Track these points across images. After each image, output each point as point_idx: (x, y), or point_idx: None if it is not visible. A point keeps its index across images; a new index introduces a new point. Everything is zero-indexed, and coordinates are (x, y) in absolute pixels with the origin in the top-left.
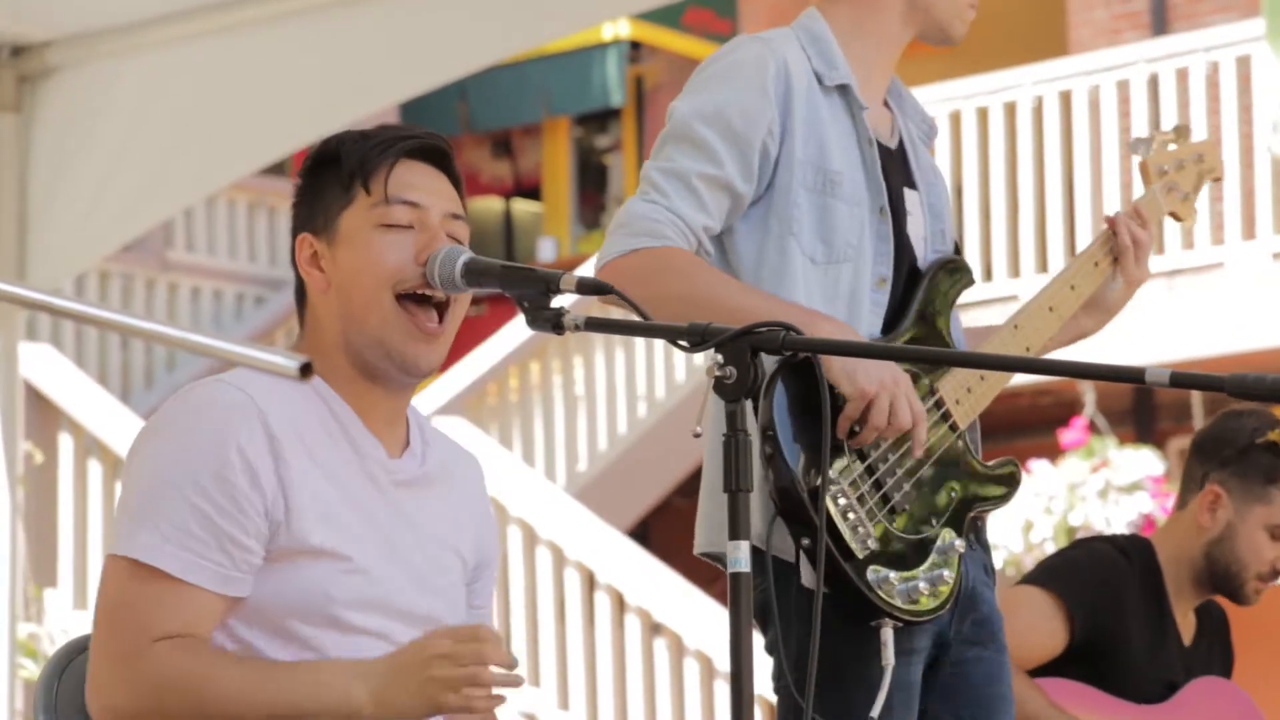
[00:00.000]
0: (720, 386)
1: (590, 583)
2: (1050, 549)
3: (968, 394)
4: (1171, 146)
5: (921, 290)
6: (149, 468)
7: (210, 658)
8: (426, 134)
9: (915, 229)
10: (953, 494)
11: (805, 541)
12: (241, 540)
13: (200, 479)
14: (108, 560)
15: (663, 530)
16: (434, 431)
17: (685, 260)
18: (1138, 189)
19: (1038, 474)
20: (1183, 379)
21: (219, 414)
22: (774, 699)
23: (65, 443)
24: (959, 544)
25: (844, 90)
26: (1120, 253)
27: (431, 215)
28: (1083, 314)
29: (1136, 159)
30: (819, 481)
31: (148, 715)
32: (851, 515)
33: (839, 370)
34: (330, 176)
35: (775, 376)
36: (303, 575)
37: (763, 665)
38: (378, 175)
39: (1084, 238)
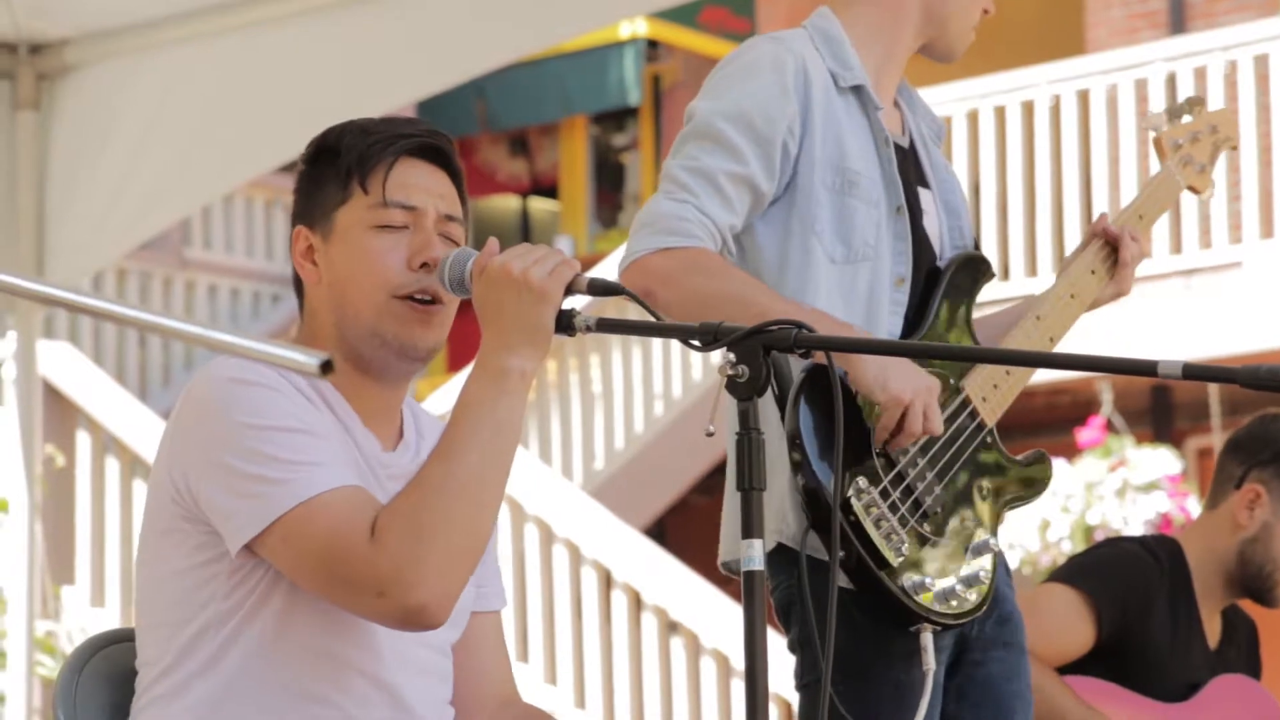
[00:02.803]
0: (733, 385)
1: (607, 581)
2: (1067, 548)
3: (994, 390)
4: (1186, 119)
5: (942, 287)
6: (237, 436)
7: (408, 491)
8: (428, 131)
9: (931, 227)
10: (983, 492)
11: (840, 553)
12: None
13: (290, 415)
14: (275, 529)
15: (680, 529)
16: (430, 420)
17: (713, 261)
18: None
19: (1055, 473)
20: (1196, 371)
21: (266, 369)
22: (790, 697)
23: (83, 440)
24: (992, 541)
25: (859, 90)
26: (1121, 266)
27: (427, 218)
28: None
29: (1151, 134)
30: (849, 491)
31: (447, 571)
32: (884, 524)
33: (872, 380)
34: (329, 169)
35: (802, 384)
36: None
37: (778, 664)
38: (376, 175)
39: None
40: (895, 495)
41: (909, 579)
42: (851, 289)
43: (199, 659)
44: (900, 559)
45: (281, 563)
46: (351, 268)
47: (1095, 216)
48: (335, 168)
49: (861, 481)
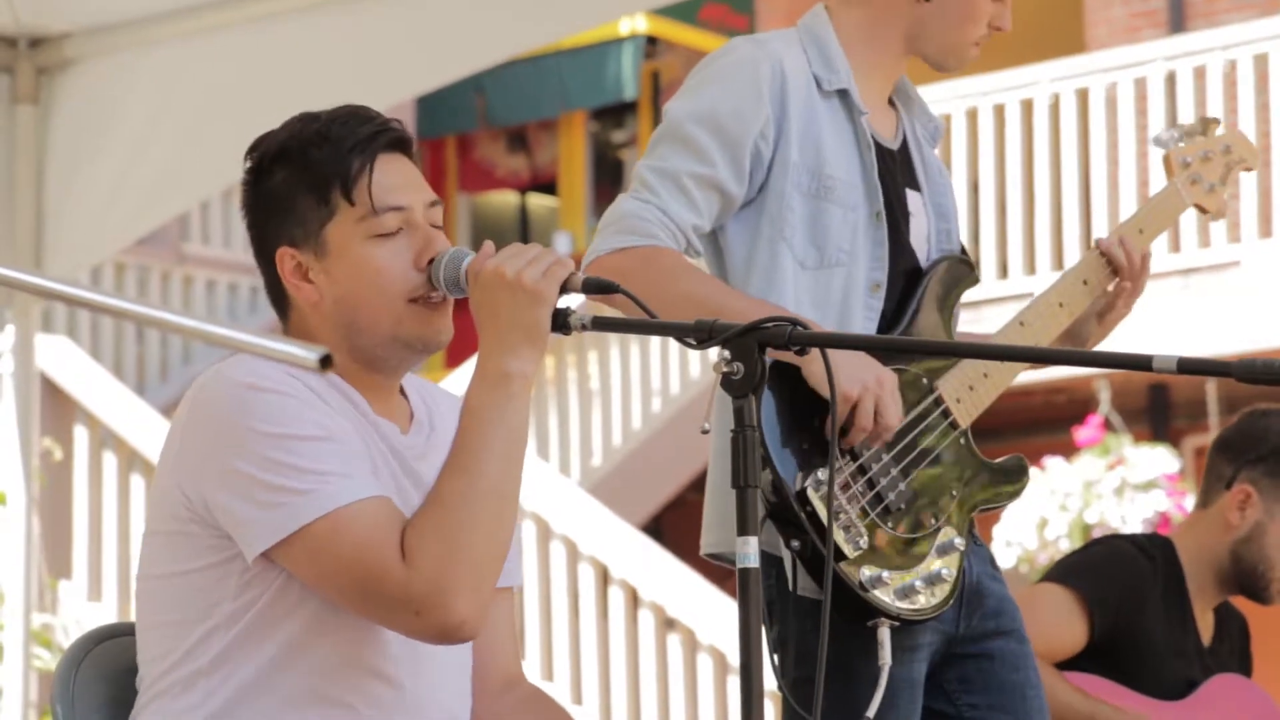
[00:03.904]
0: (727, 382)
1: (604, 578)
2: (1065, 546)
3: (970, 392)
4: (1198, 138)
5: (922, 289)
6: (256, 444)
7: (429, 509)
8: (389, 124)
9: (918, 230)
10: (953, 493)
11: (795, 544)
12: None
13: (310, 421)
14: (298, 539)
15: (677, 525)
16: (432, 389)
17: (672, 260)
18: (1155, 187)
19: (1053, 471)
20: (1191, 365)
21: (278, 373)
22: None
23: (80, 435)
24: (959, 542)
25: (843, 95)
26: (1120, 268)
27: (417, 214)
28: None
29: (1161, 152)
30: (806, 482)
31: (479, 586)
32: (842, 516)
33: (819, 375)
34: (297, 183)
35: (763, 378)
36: None
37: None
38: (359, 185)
39: (1100, 236)
40: (856, 488)
41: (865, 572)
42: (825, 294)
43: (206, 658)
44: (857, 552)
45: (304, 573)
46: (359, 284)
47: (1094, 215)
48: (306, 180)
49: (820, 473)
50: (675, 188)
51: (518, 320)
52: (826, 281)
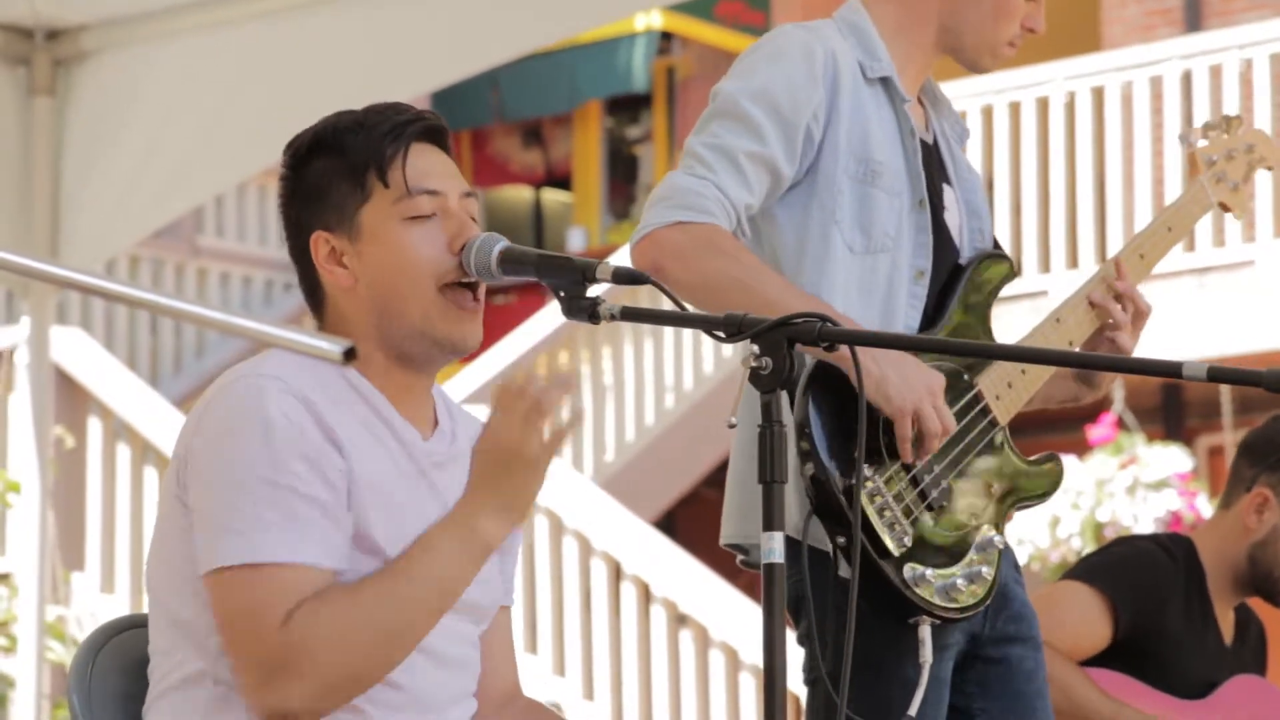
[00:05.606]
0: (756, 377)
1: (616, 573)
2: (1076, 544)
3: (1008, 389)
4: (1222, 136)
5: (963, 283)
6: (229, 473)
7: (340, 593)
8: (422, 114)
9: (953, 224)
10: (993, 490)
11: (841, 540)
12: (335, 509)
13: (287, 470)
14: (217, 575)
15: (689, 521)
16: (459, 408)
17: (728, 241)
18: (1169, 186)
19: (1065, 470)
20: (1220, 373)
21: (293, 404)
22: (801, 692)
23: (94, 426)
24: (998, 540)
25: (886, 82)
26: (1118, 302)
27: (451, 200)
28: (1080, 382)
29: (1186, 149)
30: (854, 479)
31: (329, 688)
32: (887, 513)
33: (873, 389)
34: (334, 170)
35: (812, 374)
36: (359, 571)
37: (795, 659)
38: (394, 167)
39: (1114, 234)
40: (901, 485)
41: (910, 570)
42: (870, 280)
43: (215, 654)
44: (902, 549)
45: (212, 611)
46: (392, 263)
47: (1108, 214)
48: (342, 166)
49: (866, 469)
50: (731, 165)
51: (511, 488)
52: (872, 267)
